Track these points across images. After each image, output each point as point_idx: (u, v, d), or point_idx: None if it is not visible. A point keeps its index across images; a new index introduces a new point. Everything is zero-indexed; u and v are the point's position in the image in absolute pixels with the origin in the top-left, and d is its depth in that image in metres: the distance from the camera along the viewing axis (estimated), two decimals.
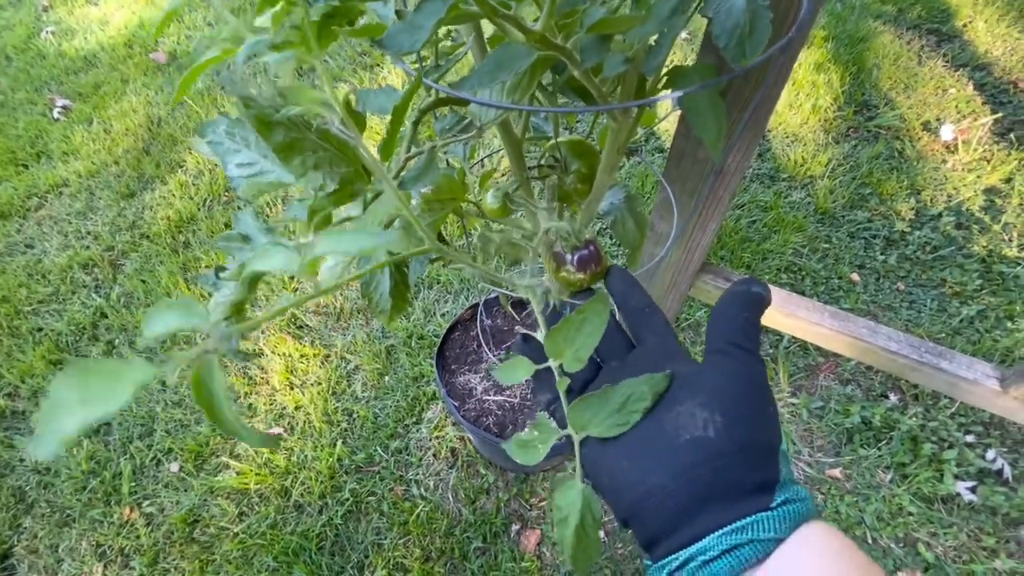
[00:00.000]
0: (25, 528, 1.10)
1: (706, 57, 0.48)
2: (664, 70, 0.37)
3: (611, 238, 1.51)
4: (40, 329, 1.38)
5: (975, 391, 0.75)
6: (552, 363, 0.32)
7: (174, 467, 1.15)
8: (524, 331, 0.57)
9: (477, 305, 1.01)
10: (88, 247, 1.55)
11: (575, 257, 0.35)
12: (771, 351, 1.27)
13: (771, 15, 0.34)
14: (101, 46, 2.25)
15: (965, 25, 1.98)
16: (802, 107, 1.73)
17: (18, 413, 1.25)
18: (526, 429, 0.33)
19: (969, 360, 0.76)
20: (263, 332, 1.35)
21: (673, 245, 0.71)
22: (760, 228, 1.46)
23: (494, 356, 0.95)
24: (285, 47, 0.23)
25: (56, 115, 1.95)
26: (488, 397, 0.97)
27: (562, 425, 0.31)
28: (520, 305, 1.04)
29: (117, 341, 1.35)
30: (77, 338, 1.36)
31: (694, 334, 1.30)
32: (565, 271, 0.36)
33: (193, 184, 1.70)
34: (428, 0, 0.17)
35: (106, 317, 1.40)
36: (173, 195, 1.66)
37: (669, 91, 0.34)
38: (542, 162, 0.46)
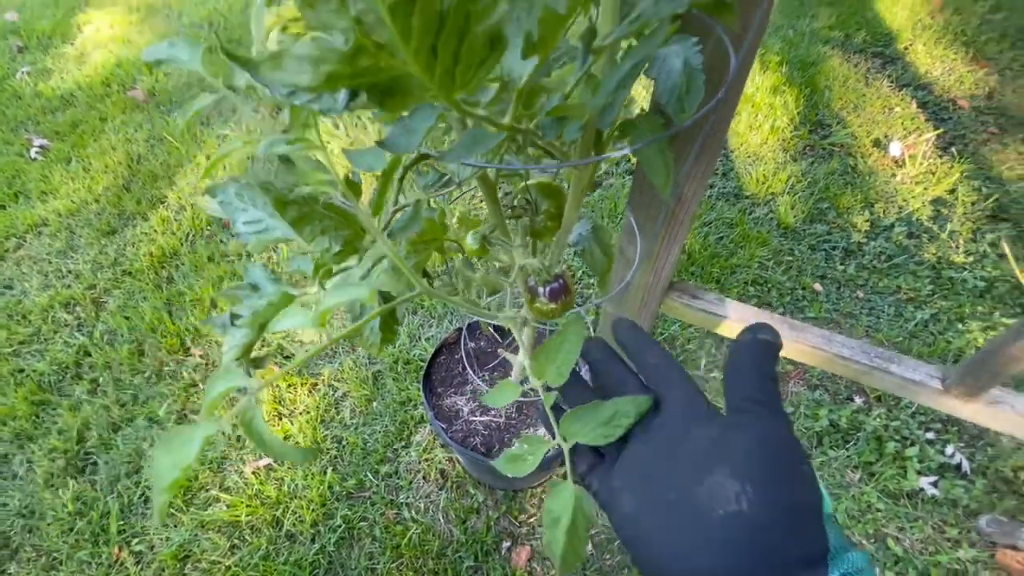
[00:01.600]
0: (10, 574, 1.09)
1: (654, 111, 0.55)
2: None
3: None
4: (22, 370, 1.37)
5: (921, 392, 0.82)
6: (537, 383, 0.36)
7: None
8: (506, 354, 0.62)
9: (461, 329, 1.05)
10: (69, 286, 1.55)
11: (547, 290, 0.40)
12: None
13: (704, 77, 0.41)
14: (78, 85, 2.26)
15: (906, 48, 2.13)
16: (761, 128, 1.84)
17: (0, 456, 1.24)
18: (515, 444, 0.37)
19: (915, 363, 0.83)
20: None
21: (639, 268, 0.77)
22: (727, 244, 1.54)
23: (479, 378, 0.99)
24: (298, 141, 0.28)
25: (34, 155, 1.95)
26: (474, 418, 1.00)
27: (589, 487, 0.32)
28: (502, 328, 1.09)
29: (101, 379, 1.35)
30: (60, 377, 1.36)
31: (670, 347, 1.36)
32: (539, 302, 0.41)
33: (175, 220, 1.72)
34: (420, 108, 0.22)
35: (90, 355, 1.40)
36: (155, 231, 1.68)
37: (622, 147, 0.40)
38: (515, 203, 0.52)
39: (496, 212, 0.46)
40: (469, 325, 1.07)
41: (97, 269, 1.60)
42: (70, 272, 1.60)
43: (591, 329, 1.01)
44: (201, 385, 1.33)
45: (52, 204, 1.78)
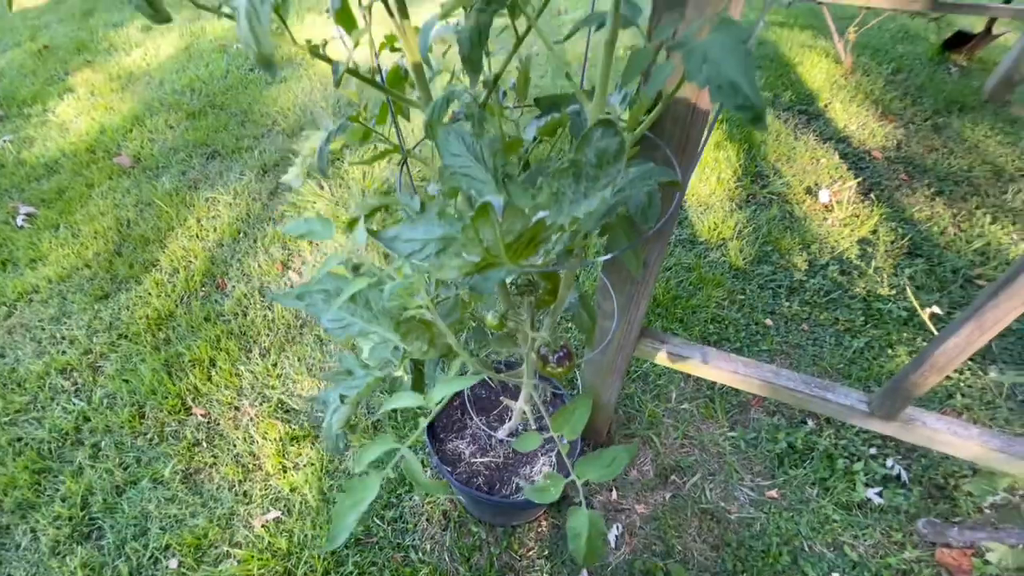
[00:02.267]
0: None
1: (626, 219, 0.70)
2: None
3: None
4: (20, 439, 1.39)
5: (853, 415, 0.98)
6: (555, 435, 0.49)
7: (173, 563, 1.18)
8: (508, 401, 0.76)
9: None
10: (64, 352, 1.59)
11: (555, 357, 0.54)
12: (708, 392, 1.49)
13: (660, 196, 0.56)
14: (62, 152, 2.32)
15: (826, 106, 2.45)
16: (709, 180, 2.07)
17: (2, 528, 1.25)
18: (539, 478, 0.50)
19: (846, 391, 1.00)
20: (251, 420, 1.43)
21: (618, 322, 0.92)
22: (687, 286, 1.72)
23: (480, 422, 1.10)
24: (404, 296, 0.41)
25: (20, 223, 1.99)
26: (476, 460, 1.11)
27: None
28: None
29: (103, 443, 1.38)
30: (60, 444, 1.39)
31: (643, 383, 1.51)
32: (550, 366, 0.54)
33: (168, 282, 1.78)
34: (496, 271, 0.35)
35: (89, 420, 1.43)
36: (149, 294, 1.74)
37: (606, 256, 0.54)
38: (520, 284, 0.66)
39: (506, 299, 0.60)
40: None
41: (92, 334, 1.64)
42: (64, 338, 1.63)
43: (578, 379, 1.14)
44: (205, 444, 1.38)
45: (42, 271, 1.82)
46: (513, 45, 0.45)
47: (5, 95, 2.67)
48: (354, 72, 0.46)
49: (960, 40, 2.64)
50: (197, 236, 1.94)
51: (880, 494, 1.29)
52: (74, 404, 1.46)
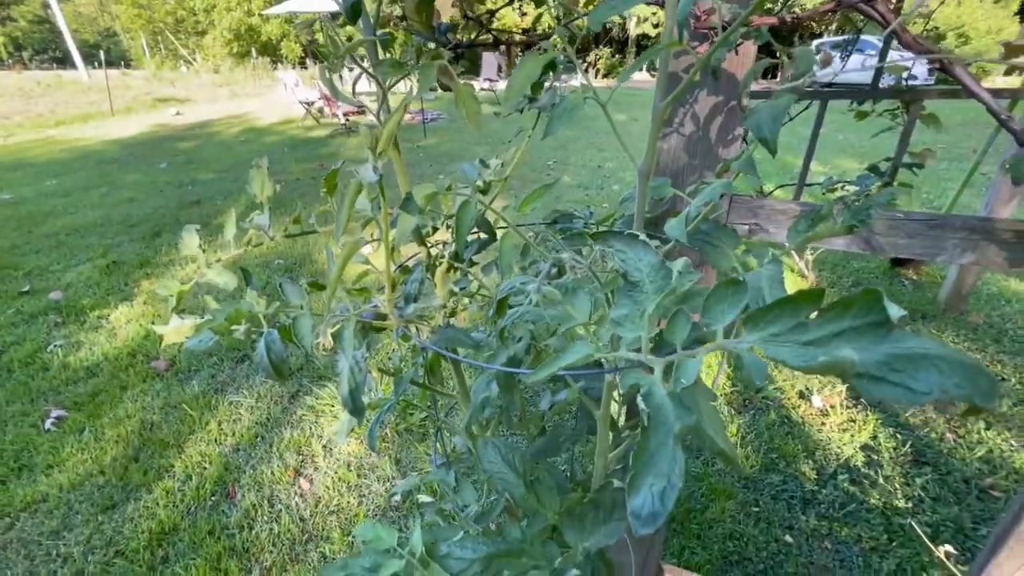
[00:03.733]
0: None
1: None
2: None
3: None
4: None
5: None
6: None
7: None
8: None
9: None
10: (55, 572, 1.52)
11: None
12: None
13: None
14: (105, 356, 2.52)
15: None
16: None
17: None
18: None
19: None
20: None
21: (636, 568, 0.94)
22: (699, 497, 1.71)
23: None
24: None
25: (48, 426, 2.07)
26: None
27: None
28: None
29: None
30: None
31: None
32: None
33: (179, 490, 1.78)
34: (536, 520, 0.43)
35: None
36: (157, 504, 1.72)
37: None
38: None
39: None
40: None
41: (88, 551, 1.58)
42: (59, 556, 1.57)
43: None
44: None
45: (56, 478, 1.83)
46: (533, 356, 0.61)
47: (68, 304, 3.01)
48: (414, 382, 0.61)
49: (905, 259, 3.06)
50: (216, 440, 2.00)
51: None
52: None
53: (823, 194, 2.22)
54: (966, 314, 2.63)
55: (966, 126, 6.49)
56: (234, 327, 0.56)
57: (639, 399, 0.29)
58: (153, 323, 2.80)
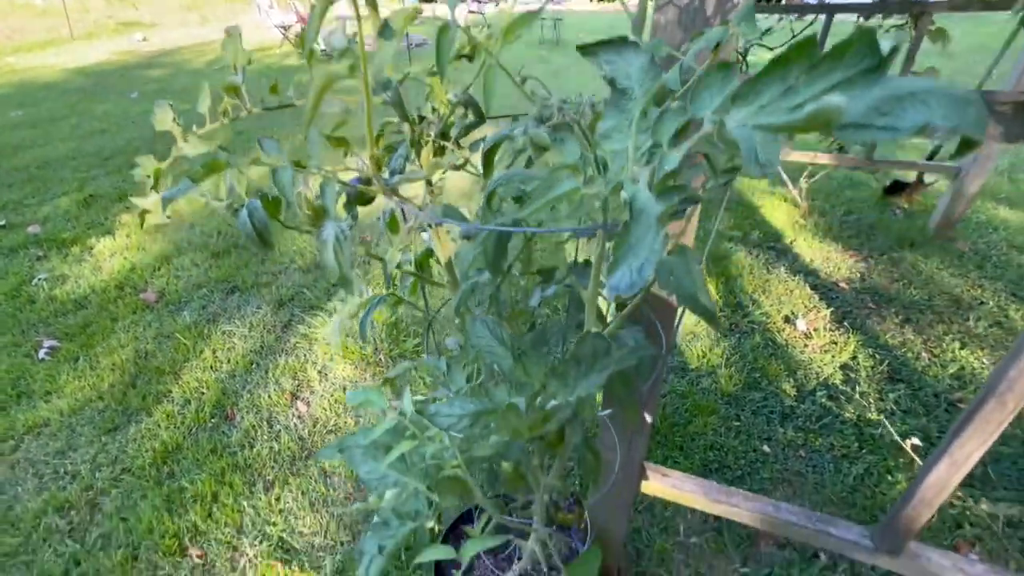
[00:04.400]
0: None
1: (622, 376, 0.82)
2: None
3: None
4: None
5: (857, 551, 1.00)
6: None
7: None
8: (517, 541, 0.80)
9: (470, 511, 1.18)
10: (65, 488, 1.58)
11: (566, 505, 0.61)
12: (716, 524, 1.48)
13: (651, 368, 0.67)
14: (92, 289, 2.50)
15: (791, 243, 2.73)
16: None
17: None
18: None
19: (848, 525, 1.03)
20: (249, 562, 1.38)
21: (620, 460, 0.98)
22: (683, 413, 1.78)
23: (490, 563, 1.10)
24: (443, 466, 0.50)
25: (42, 356, 2.08)
26: None
27: None
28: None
29: None
30: None
31: (650, 516, 1.50)
32: (561, 513, 0.61)
33: (179, 414, 1.82)
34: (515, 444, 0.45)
35: (79, 564, 1.38)
36: (158, 426, 1.77)
37: (606, 412, 0.64)
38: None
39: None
40: (479, 507, 1.20)
41: (95, 468, 1.64)
42: (67, 473, 1.63)
43: (587, 519, 1.16)
44: None
45: (55, 403, 1.86)
46: (523, 246, 0.60)
47: (47, 238, 2.93)
48: (398, 267, 0.60)
49: (898, 187, 3.03)
50: (211, 367, 2.03)
51: None
52: (67, 546, 1.42)
53: None
54: (953, 241, 2.66)
55: (974, 52, 6.25)
56: (218, 198, 0.54)
57: (624, 206, 0.28)
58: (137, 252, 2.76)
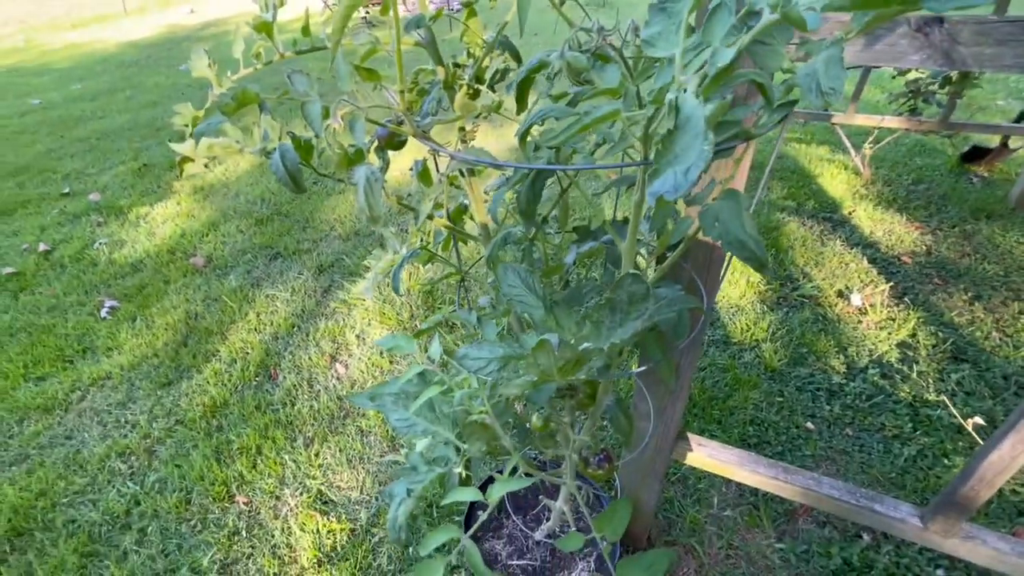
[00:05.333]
0: None
1: (657, 332, 0.78)
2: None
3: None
4: (74, 521, 1.45)
5: (905, 529, 0.95)
6: (597, 536, 0.53)
7: None
8: (548, 501, 0.79)
9: (500, 472, 1.19)
10: (126, 436, 1.69)
11: (596, 460, 0.59)
12: (751, 498, 1.43)
13: (689, 317, 0.64)
14: (147, 253, 2.63)
15: (850, 213, 2.55)
16: (739, 283, 2.14)
17: None
18: None
19: (895, 502, 0.97)
20: (291, 510, 1.45)
21: (655, 425, 0.95)
22: (722, 387, 1.72)
23: (518, 522, 1.11)
24: (472, 412, 0.49)
25: (104, 314, 2.22)
26: (512, 562, 1.09)
27: None
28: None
29: (149, 529, 1.43)
30: (111, 528, 1.44)
31: (683, 487, 1.47)
32: (591, 468, 0.59)
33: (226, 372, 1.91)
34: (548, 386, 0.43)
35: (139, 504, 1.49)
36: (208, 383, 1.86)
37: (637, 370, 0.61)
38: (563, 389, 0.72)
39: (550, 402, 0.67)
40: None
41: (152, 419, 1.75)
42: (127, 423, 1.74)
43: (617, 481, 1.14)
44: (244, 533, 1.41)
45: (116, 359, 1.99)
46: (559, 194, 0.56)
47: (106, 204, 3.09)
48: (430, 217, 0.58)
49: (978, 154, 2.77)
50: (256, 329, 2.11)
51: None
52: (128, 487, 1.53)
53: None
54: None
55: None
56: (250, 144, 0.54)
57: (668, 113, 0.24)
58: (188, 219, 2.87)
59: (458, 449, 0.50)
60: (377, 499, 1.46)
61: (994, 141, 2.76)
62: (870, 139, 2.75)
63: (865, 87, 2.54)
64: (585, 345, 0.36)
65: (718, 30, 0.26)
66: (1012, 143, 2.69)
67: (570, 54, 0.37)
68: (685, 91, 0.25)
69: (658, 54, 0.28)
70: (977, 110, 3.50)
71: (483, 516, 0.53)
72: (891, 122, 2.50)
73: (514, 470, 0.53)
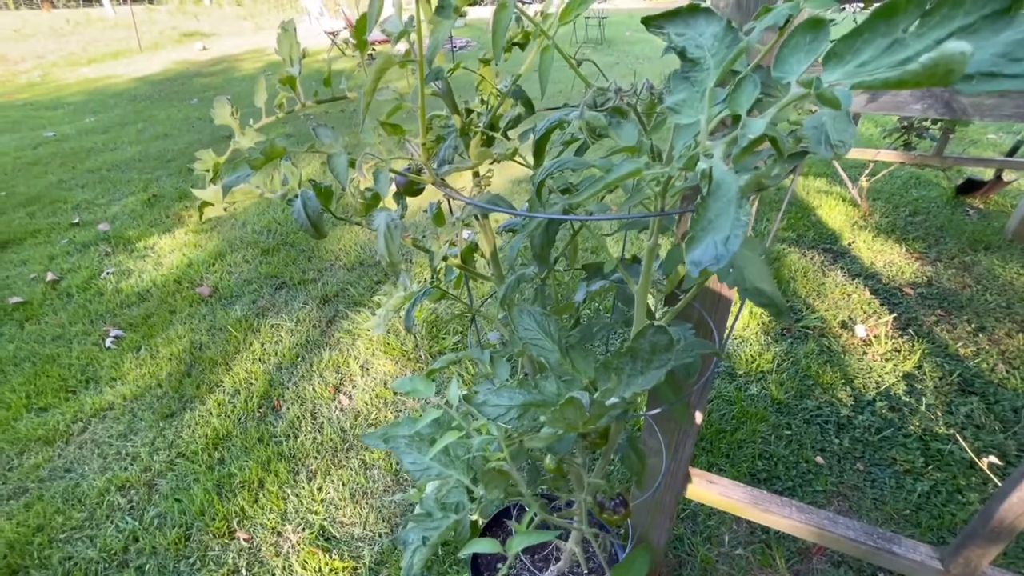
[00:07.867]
0: None
1: (670, 377, 0.78)
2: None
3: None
4: (71, 558, 1.42)
5: (924, 571, 0.92)
6: None
7: None
8: (559, 542, 0.77)
9: (509, 508, 1.17)
10: (126, 468, 1.67)
11: (612, 504, 0.58)
12: (763, 536, 1.40)
13: (698, 361, 0.64)
14: (154, 283, 2.64)
15: (850, 244, 2.58)
16: (741, 314, 2.15)
17: None
18: None
19: (914, 543, 0.95)
20: (292, 547, 1.42)
21: (666, 463, 0.94)
22: (729, 420, 1.71)
23: (526, 562, 1.08)
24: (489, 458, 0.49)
25: (108, 344, 2.22)
26: None
27: None
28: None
29: (147, 566, 1.39)
30: (107, 565, 1.40)
31: (692, 523, 1.44)
32: (607, 513, 0.58)
33: (230, 403, 1.90)
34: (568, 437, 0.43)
35: (138, 540, 1.46)
36: (211, 414, 1.85)
37: (654, 411, 0.61)
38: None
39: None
40: (517, 505, 1.19)
41: (154, 452, 1.73)
42: (128, 455, 1.72)
43: (629, 523, 1.12)
44: (244, 572, 1.37)
45: (119, 389, 1.98)
46: (570, 238, 0.58)
47: (115, 234, 3.13)
48: (443, 260, 0.59)
49: (972, 186, 2.81)
50: (260, 359, 2.10)
51: None
52: (127, 523, 1.50)
53: None
54: None
55: None
56: (272, 189, 0.55)
57: (700, 181, 0.26)
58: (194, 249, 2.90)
59: (470, 493, 0.50)
60: (381, 536, 1.43)
61: (988, 174, 2.81)
62: (866, 172, 2.80)
63: (859, 123, 2.60)
64: (612, 400, 0.37)
65: (743, 101, 0.27)
66: (1006, 176, 2.74)
67: (589, 114, 0.39)
68: (711, 156, 0.26)
69: (683, 121, 0.30)
70: (969, 144, 3.57)
71: (503, 569, 0.53)
72: (886, 156, 2.56)
73: (531, 518, 0.52)
